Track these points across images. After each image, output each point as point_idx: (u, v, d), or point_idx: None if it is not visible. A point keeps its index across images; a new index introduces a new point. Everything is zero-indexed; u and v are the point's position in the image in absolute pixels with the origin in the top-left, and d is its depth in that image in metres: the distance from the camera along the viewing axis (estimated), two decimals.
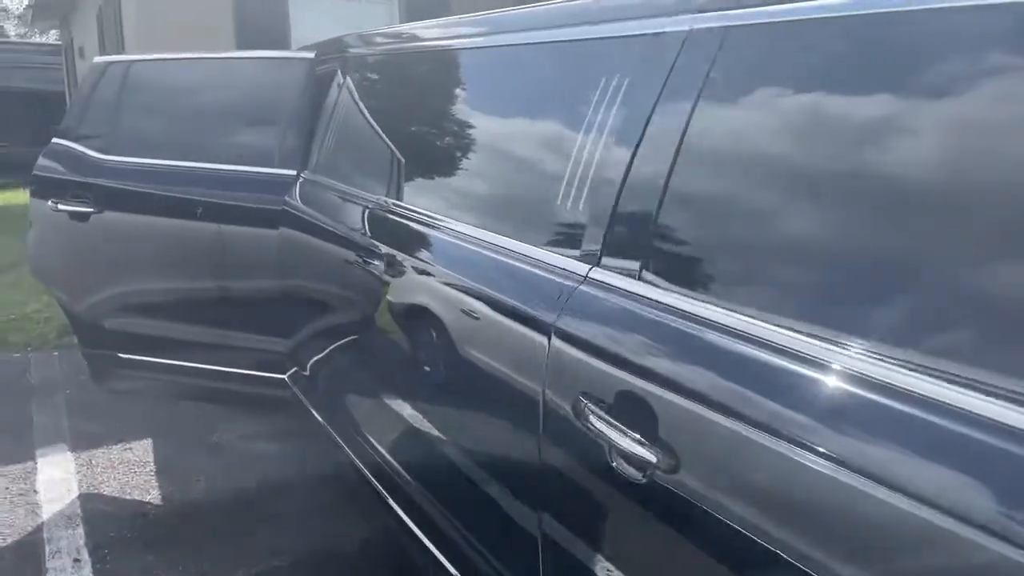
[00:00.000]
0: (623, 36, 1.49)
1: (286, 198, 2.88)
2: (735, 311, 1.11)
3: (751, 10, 1.23)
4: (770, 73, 1.21)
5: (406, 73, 2.51)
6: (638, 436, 1.16)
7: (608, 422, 1.22)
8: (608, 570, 1.28)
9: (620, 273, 1.33)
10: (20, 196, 9.74)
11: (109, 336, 3.23)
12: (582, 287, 1.39)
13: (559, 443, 1.38)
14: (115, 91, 3.23)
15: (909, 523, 0.83)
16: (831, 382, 0.96)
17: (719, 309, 1.14)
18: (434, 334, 1.84)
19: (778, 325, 1.05)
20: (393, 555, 2.41)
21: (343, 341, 2.48)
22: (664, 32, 1.38)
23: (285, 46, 5.82)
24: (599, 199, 1.42)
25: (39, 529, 2.83)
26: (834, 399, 0.96)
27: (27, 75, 12.41)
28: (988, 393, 0.82)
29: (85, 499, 3.03)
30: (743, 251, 1.17)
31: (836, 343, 0.98)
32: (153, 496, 3.06)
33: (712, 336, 1.12)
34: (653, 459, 1.13)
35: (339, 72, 2.86)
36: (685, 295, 1.20)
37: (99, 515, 2.92)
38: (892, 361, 0.91)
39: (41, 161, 3.26)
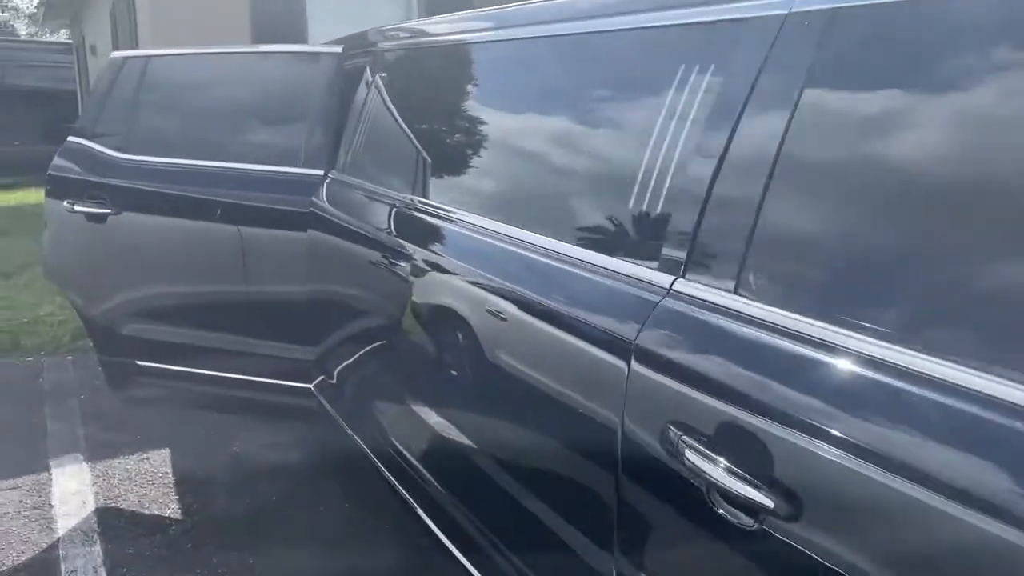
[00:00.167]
0: (709, 22, 1.34)
1: (313, 199, 2.74)
2: (861, 336, 0.96)
3: None
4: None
5: (446, 67, 2.35)
6: (748, 475, 1.01)
7: (709, 458, 1.07)
8: None
9: (713, 286, 1.18)
10: (32, 195, 9.65)
11: (126, 342, 3.10)
12: (665, 301, 1.25)
13: (642, 479, 1.23)
14: (133, 87, 3.10)
15: None
16: (989, 416, 0.81)
17: (839, 330, 0.99)
18: (484, 348, 1.69)
19: (918, 351, 0.90)
20: None
21: (378, 352, 2.34)
22: (758, 17, 1.24)
23: (302, 43, 5.69)
24: (682, 201, 1.27)
25: (55, 546, 2.70)
26: (995, 435, 0.81)
27: (38, 74, 12.32)
28: None
29: (102, 513, 2.90)
30: (867, 262, 1.02)
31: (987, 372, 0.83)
32: (173, 511, 2.93)
33: (842, 363, 0.97)
34: (770, 504, 0.98)
35: (369, 67, 2.71)
36: (795, 316, 1.05)
37: (117, 531, 2.79)
38: None
39: (56, 160, 3.13)
